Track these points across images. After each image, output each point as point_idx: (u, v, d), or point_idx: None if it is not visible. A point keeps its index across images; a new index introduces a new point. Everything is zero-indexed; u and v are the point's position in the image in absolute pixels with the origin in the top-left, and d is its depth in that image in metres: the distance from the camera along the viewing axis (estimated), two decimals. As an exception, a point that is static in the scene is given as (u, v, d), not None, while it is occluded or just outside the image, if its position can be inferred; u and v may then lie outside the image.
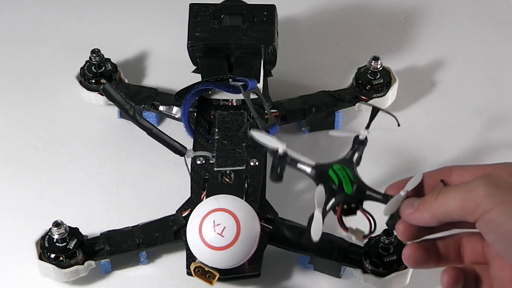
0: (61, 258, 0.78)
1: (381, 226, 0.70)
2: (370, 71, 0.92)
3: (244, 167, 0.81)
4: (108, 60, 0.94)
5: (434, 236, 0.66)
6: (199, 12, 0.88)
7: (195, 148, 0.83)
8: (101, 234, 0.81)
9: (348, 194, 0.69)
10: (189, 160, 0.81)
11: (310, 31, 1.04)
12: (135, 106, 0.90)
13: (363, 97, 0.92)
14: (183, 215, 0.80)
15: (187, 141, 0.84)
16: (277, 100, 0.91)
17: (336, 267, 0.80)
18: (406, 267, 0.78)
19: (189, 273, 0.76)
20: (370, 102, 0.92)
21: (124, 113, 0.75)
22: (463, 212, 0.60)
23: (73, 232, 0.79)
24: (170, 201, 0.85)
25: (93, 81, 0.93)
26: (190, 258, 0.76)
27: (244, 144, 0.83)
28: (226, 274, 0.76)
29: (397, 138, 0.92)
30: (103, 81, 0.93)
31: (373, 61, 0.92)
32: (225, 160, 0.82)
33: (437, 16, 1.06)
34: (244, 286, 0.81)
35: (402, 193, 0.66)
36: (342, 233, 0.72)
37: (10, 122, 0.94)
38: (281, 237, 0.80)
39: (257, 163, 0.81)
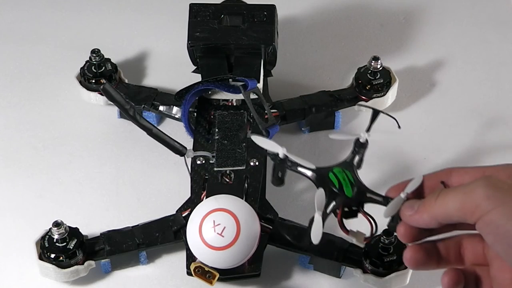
0: (61, 258, 0.78)
1: (381, 227, 0.70)
2: (370, 71, 0.92)
3: (244, 167, 0.81)
4: (108, 60, 0.94)
5: (435, 237, 0.66)
6: (199, 12, 0.88)
7: (195, 148, 0.83)
8: (101, 234, 0.81)
9: (348, 196, 0.69)
10: (189, 160, 0.81)
11: (310, 31, 1.04)
12: (135, 106, 0.90)
13: (363, 97, 0.92)
14: (183, 215, 0.80)
15: (187, 141, 0.84)
16: (277, 100, 0.91)
17: (336, 267, 0.80)
18: (406, 267, 0.78)
19: (189, 273, 0.76)
20: (370, 102, 0.92)
21: (124, 113, 0.75)
22: (462, 213, 0.60)
23: (73, 232, 0.79)
24: (170, 201, 0.85)
25: (93, 81, 0.93)
26: (190, 258, 0.76)
27: (244, 144, 0.83)
28: (226, 274, 0.76)
29: (397, 138, 0.92)
30: (103, 81, 0.93)
31: (373, 61, 0.92)
32: (225, 160, 0.82)
33: (437, 16, 1.06)
34: (244, 286, 0.81)
35: (402, 195, 0.66)
36: (342, 233, 0.72)
37: (10, 122, 0.94)
38: (281, 237, 0.80)
39: (257, 163, 0.81)
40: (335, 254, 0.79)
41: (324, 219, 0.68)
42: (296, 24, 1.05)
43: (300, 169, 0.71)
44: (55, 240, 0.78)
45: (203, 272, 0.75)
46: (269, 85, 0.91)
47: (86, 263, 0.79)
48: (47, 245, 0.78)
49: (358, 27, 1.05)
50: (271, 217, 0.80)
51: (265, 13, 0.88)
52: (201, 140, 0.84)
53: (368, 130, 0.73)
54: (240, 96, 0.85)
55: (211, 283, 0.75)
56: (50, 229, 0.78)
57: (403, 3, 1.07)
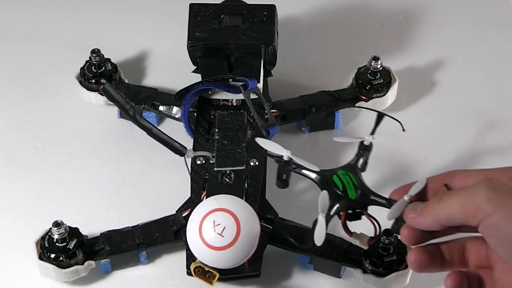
0: (61, 258, 0.78)
1: (383, 228, 0.70)
2: (370, 71, 0.92)
3: (244, 167, 0.81)
4: (108, 60, 0.94)
5: (438, 240, 0.66)
6: (199, 12, 0.88)
7: (195, 148, 0.83)
8: (101, 234, 0.81)
9: (352, 199, 0.69)
10: (189, 160, 0.81)
11: (310, 31, 1.04)
12: (135, 106, 0.90)
13: (363, 97, 0.92)
14: (183, 215, 0.80)
15: (187, 141, 0.84)
16: (277, 100, 0.91)
17: (336, 267, 0.80)
18: (406, 267, 0.78)
19: (189, 273, 0.76)
20: (370, 102, 0.92)
21: (124, 113, 0.75)
22: (465, 216, 0.61)
23: (73, 232, 0.79)
24: (170, 201, 0.85)
25: (93, 81, 0.93)
26: (190, 258, 0.76)
27: (244, 144, 0.83)
28: (226, 274, 0.76)
29: (397, 138, 0.92)
30: (103, 81, 0.93)
31: (373, 61, 0.92)
32: (225, 160, 0.82)
33: (437, 16, 1.06)
34: (244, 286, 0.81)
35: (406, 197, 0.66)
36: (342, 233, 0.72)
37: (10, 122, 0.94)
38: (281, 237, 0.80)
39: (257, 163, 0.81)
40: (335, 254, 0.79)
41: (327, 222, 0.68)
42: (296, 24, 1.05)
43: (304, 171, 0.71)
44: (55, 240, 0.78)
45: (203, 272, 0.75)
46: (269, 85, 0.91)
47: (86, 263, 0.79)
48: (47, 245, 0.78)
49: (358, 27, 1.05)
50: (271, 217, 0.80)
51: (265, 13, 0.88)
52: (201, 140, 0.84)
53: (372, 133, 0.73)
54: (240, 96, 0.85)
55: (211, 283, 0.75)
56: (50, 229, 0.78)
57: (403, 3, 1.07)
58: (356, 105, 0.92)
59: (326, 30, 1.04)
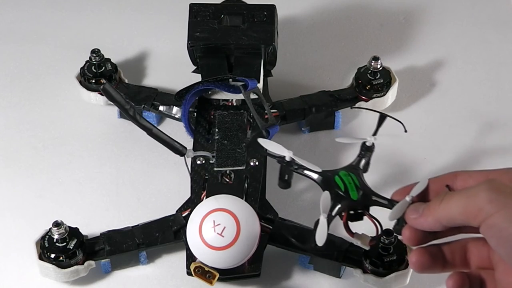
0: (61, 258, 0.78)
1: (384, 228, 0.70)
2: (370, 71, 0.92)
3: (244, 167, 0.81)
4: (108, 60, 0.94)
5: (440, 241, 0.67)
6: (199, 12, 0.88)
7: (195, 148, 0.83)
8: (101, 234, 0.81)
9: (353, 200, 0.69)
10: (189, 160, 0.81)
11: (310, 31, 1.04)
12: (135, 106, 0.90)
13: (363, 97, 0.92)
14: (183, 215, 0.80)
15: (187, 141, 0.84)
16: (277, 100, 0.91)
17: (336, 267, 0.80)
18: (406, 267, 0.78)
19: (189, 273, 0.76)
20: (370, 102, 0.92)
21: (124, 113, 0.75)
22: (466, 217, 0.61)
23: (73, 232, 0.79)
24: (170, 201, 0.85)
25: (93, 81, 0.93)
26: (190, 258, 0.76)
27: (244, 144, 0.83)
28: (226, 274, 0.76)
29: (398, 139, 0.92)
30: (103, 81, 0.93)
31: (373, 61, 0.92)
32: (225, 160, 0.82)
33: (437, 16, 1.06)
34: (244, 286, 0.81)
35: (407, 198, 0.66)
36: (342, 233, 0.72)
37: (10, 122, 0.94)
38: (281, 237, 0.80)
39: (257, 163, 0.81)
40: (335, 254, 0.79)
41: (329, 222, 0.68)
42: (296, 24, 1.05)
43: (306, 172, 0.72)
44: (55, 240, 0.78)
45: (203, 272, 0.75)
46: (269, 85, 0.91)
47: (86, 263, 0.79)
48: (47, 245, 0.78)
49: (358, 27, 1.05)
50: (271, 217, 0.80)
51: (265, 13, 0.88)
52: (201, 140, 0.84)
53: (374, 134, 0.74)
54: (240, 96, 0.85)
55: (211, 283, 0.75)
56: (50, 229, 0.78)
57: (403, 3, 1.07)
58: (357, 105, 0.92)
59: (326, 30, 1.04)
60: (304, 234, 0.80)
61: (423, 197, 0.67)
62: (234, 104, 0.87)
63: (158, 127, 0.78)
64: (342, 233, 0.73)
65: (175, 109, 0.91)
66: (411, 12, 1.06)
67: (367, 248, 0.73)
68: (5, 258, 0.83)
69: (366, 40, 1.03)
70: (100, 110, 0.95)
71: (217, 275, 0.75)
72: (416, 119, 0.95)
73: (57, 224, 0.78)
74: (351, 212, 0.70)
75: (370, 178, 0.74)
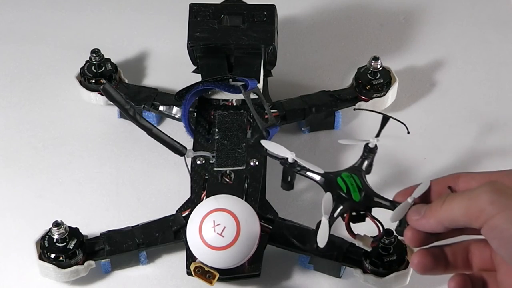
0: (61, 258, 0.78)
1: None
2: (370, 71, 0.92)
3: (244, 167, 0.81)
4: (108, 60, 0.94)
5: (442, 242, 0.67)
6: (199, 12, 0.88)
7: (195, 148, 0.83)
8: (101, 234, 0.81)
9: (355, 201, 0.69)
10: (189, 160, 0.81)
11: (310, 31, 1.04)
12: (135, 106, 0.90)
13: (363, 97, 0.92)
14: (183, 215, 0.80)
15: (187, 141, 0.84)
16: (277, 100, 0.91)
17: (336, 267, 0.80)
18: (406, 267, 0.78)
19: (189, 273, 0.76)
20: (370, 102, 0.92)
21: (124, 113, 0.75)
22: (468, 218, 0.61)
23: (73, 232, 0.79)
24: (170, 201, 0.85)
25: (93, 81, 0.93)
26: (190, 258, 0.76)
27: (244, 144, 0.83)
28: (226, 274, 0.76)
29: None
30: (103, 81, 0.93)
31: (373, 61, 0.92)
32: (225, 160, 0.82)
33: (437, 16, 1.06)
34: (244, 286, 0.81)
35: (409, 200, 0.66)
36: (342, 234, 0.72)
37: (10, 122, 0.94)
38: (281, 237, 0.80)
39: (257, 163, 0.81)
40: (335, 254, 0.79)
41: (331, 224, 0.68)
42: (296, 24, 1.05)
43: (308, 173, 0.72)
44: (55, 240, 0.78)
45: (203, 272, 0.75)
46: (269, 85, 0.91)
47: (86, 263, 0.79)
48: (47, 245, 0.78)
49: (358, 27, 1.05)
50: (271, 217, 0.80)
51: (265, 13, 0.88)
52: (201, 140, 0.84)
53: (377, 135, 0.74)
54: (240, 96, 0.85)
55: (211, 283, 0.75)
56: (50, 229, 0.78)
57: (403, 3, 1.07)
58: (358, 106, 0.92)
59: (326, 30, 1.04)
60: (304, 234, 0.80)
61: (425, 198, 0.67)
62: (234, 104, 0.87)
63: (158, 127, 0.78)
64: (342, 233, 0.73)
65: (175, 109, 0.91)
66: (411, 12, 1.06)
67: (368, 249, 0.73)
68: (5, 258, 0.83)
69: (366, 40, 1.03)
70: (100, 110, 0.95)
71: (217, 275, 0.75)
72: (416, 119, 0.95)
73: (57, 224, 0.78)
74: (353, 213, 0.70)
75: (370, 178, 0.74)
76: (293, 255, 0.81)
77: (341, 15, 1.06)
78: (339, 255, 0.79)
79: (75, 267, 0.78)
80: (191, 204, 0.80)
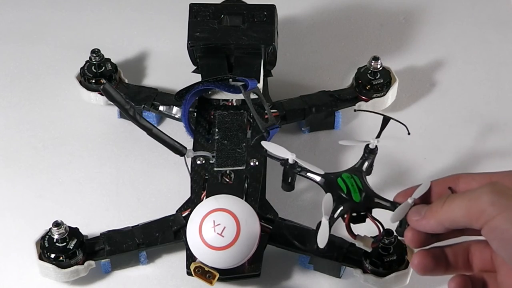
0: (61, 258, 0.78)
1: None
2: (370, 71, 0.92)
3: (244, 167, 0.81)
4: (108, 60, 0.94)
5: (442, 243, 0.67)
6: (199, 12, 0.88)
7: (195, 148, 0.83)
8: (101, 234, 0.81)
9: (356, 202, 0.70)
10: (189, 160, 0.81)
11: (310, 31, 1.04)
12: (135, 106, 0.90)
13: (363, 97, 0.92)
14: (183, 215, 0.80)
15: (187, 141, 0.84)
16: (277, 100, 0.91)
17: (336, 267, 0.80)
18: (406, 267, 0.78)
19: (189, 273, 0.76)
20: (370, 102, 0.92)
21: (124, 113, 0.75)
22: (468, 219, 0.61)
23: (73, 232, 0.79)
24: (170, 201, 0.85)
25: (93, 81, 0.93)
26: (190, 258, 0.76)
27: (244, 144, 0.83)
28: (226, 274, 0.76)
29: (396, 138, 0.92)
30: (103, 81, 0.93)
31: (373, 61, 0.92)
32: (225, 160, 0.82)
33: (437, 16, 1.06)
34: (244, 286, 0.81)
35: (410, 200, 0.66)
36: (343, 234, 0.72)
37: (10, 122, 0.94)
38: (281, 237, 0.80)
39: (257, 163, 0.81)
40: (335, 254, 0.79)
41: (331, 224, 0.68)
42: (296, 24, 1.05)
43: (309, 174, 0.72)
44: (55, 240, 0.78)
45: (203, 272, 0.75)
46: (269, 85, 0.91)
47: (86, 263, 0.79)
48: (47, 245, 0.78)
49: (358, 27, 1.05)
50: (271, 217, 0.80)
51: (265, 13, 0.88)
52: (201, 140, 0.84)
53: (378, 136, 0.74)
54: (240, 96, 0.85)
55: (211, 283, 0.75)
56: (50, 229, 0.78)
57: (403, 3, 1.07)
58: (358, 106, 0.92)
59: (326, 30, 1.04)
60: (304, 234, 0.80)
61: (426, 199, 0.67)
62: (234, 104, 0.87)
63: (158, 127, 0.78)
64: (342, 233, 0.73)
65: (175, 109, 0.91)
66: (411, 12, 1.06)
67: (369, 250, 0.73)
68: (5, 258, 0.83)
69: (366, 40, 1.03)
70: (100, 110, 0.95)
71: (217, 275, 0.75)
72: (416, 119, 0.95)
73: (57, 224, 0.78)
74: (354, 214, 0.70)
75: (370, 178, 0.74)
76: (293, 255, 0.81)
77: (341, 15, 1.06)
78: (339, 255, 0.79)
79: (75, 267, 0.78)
80: (191, 204, 0.80)
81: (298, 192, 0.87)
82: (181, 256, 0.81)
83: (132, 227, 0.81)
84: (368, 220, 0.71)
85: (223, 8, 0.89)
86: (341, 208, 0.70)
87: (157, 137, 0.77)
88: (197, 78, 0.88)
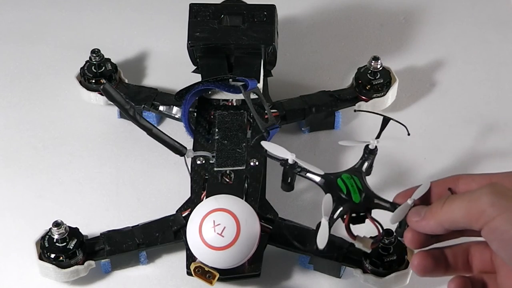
0: (61, 258, 0.78)
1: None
2: (370, 71, 0.92)
3: (244, 167, 0.81)
4: (108, 60, 0.94)
5: (442, 244, 0.67)
6: (199, 12, 0.88)
7: (195, 148, 0.83)
8: (101, 234, 0.81)
9: (355, 202, 0.69)
10: (189, 160, 0.81)
11: (310, 31, 1.04)
12: (135, 106, 0.90)
13: (363, 97, 0.92)
14: (183, 215, 0.80)
15: (187, 141, 0.84)
16: (277, 100, 0.91)
17: (336, 267, 0.80)
18: (406, 267, 0.78)
19: (189, 273, 0.76)
20: (370, 102, 0.92)
21: (124, 113, 0.75)
22: (468, 220, 0.61)
23: (73, 232, 0.79)
24: (170, 201, 0.85)
25: (93, 81, 0.93)
26: (190, 258, 0.76)
27: (244, 144, 0.83)
28: (226, 274, 0.76)
29: (396, 138, 0.92)
30: (103, 81, 0.93)
31: (373, 61, 0.92)
32: (225, 160, 0.82)
33: (437, 16, 1.06)
34: (244, 286, 0.81)
35: (409, 201, 0.66)
36: (342, 233, 0.72)
37: (10, 122, 0.94)
38: (281, 237, 0.80)
39: (257, 163, 0.81)
40: (335, 254, 0.79)
41: (330, 225, 0.68)
42: (296, 24, 1.05)
43: (308, 174, 0.72)
44: (55, 240, 0.78)
45: (203, 272, 0.75)
46: (269, 85, 0.91)
47: (86, 263, 0.79)
48: (47, 245, 0.78)
49: (358, 27, 1.05)
50: (271, 217, 0.80)
51: (265, 13, 0.88)
52: (201, 140, 0.84)
53: (378, 137, 0.74)
54: (240, 96, 0.85)
55: (211, 283, 0.75)
56: (50, 229, 0.78)
57: (403, 3, 1.07)
58: (358, 107, 0.92)
59: (326, 30, 1.04)
60: (304, 234, 0.80)
61: (425, 200, 0.67)
62: (234, 104, 0.87)
63: (158, 127, 0.78)
64: (342, 233, 0.73)
65: (175, 109, 0.91)
66: (411, 12, 1.06)
67: (368, 251, 0.73)
68: (5, 258, 0.83)
69: (366, 40, 1.03)
70: (100, 110, 0.95)
71: (217, 275, 0.75)
72: (416, 119, 0.95)
73: (57, 224, 0.78)
74: (353, 215, 0.70)
75: (369, 178, 0.74)
76: (293, 255, 0.81)
77: (341, 15, 1.06)
78: (339, 255, 0.79)
79: (75, 267, 0.78)
80: (191, 204, 0.80)
81: (298, 192, 0.87)
82: (181, 256, 0.81)
83: (132, 227, 0.81)
84: (367, 220, 0.71)
85: (223, 8, 0.89)
86: (341, 208, 0.70)
87: (157, 137, 0.77)
88: (197, 78, 0.88)
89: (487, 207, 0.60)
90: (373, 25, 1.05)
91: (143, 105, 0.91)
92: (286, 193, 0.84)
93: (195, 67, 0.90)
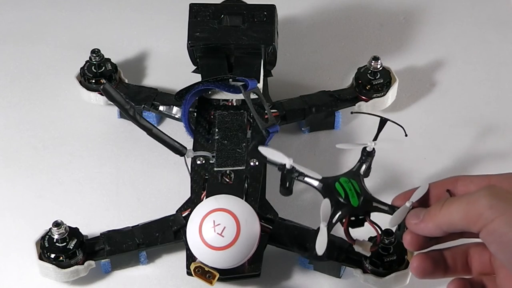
0: (61, 258, 0.78)
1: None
2: (370, 71, 0.92)
3: (244, 167, 0.81)
4: (108, 60, 0.94)
5: (441, 246, 0.66)
6: (199, 12, 0.88)
7: (195, 148, 0.83)
8: (101, 234, 0.81)
9: (354, 206, 0.69)
10: (189, 160, 0.81)
11: (310, 31, 1.04)
12: (135, 106, 0.90)
13: (363, 97, 0.92)
14: (183, 215, 0.80)
15: (187, 141, 0.84)
16: (277, 100, 0.91)
17: (336, 267, 0.80)
18: (406, 267, 0.78)
19: (189, 273, 0.76)
20: (370, 102, 0.92)
21: (124, 113, 0.75)
22: (466, 222, 0.61)
23: (73, 232, 0.79)
24: (170, 201, 0.85)
25: (93, 81, 0.93)
26: (190, 258, 0.76)
27: (244, 144, 0.83)
28: (226, 274, 0.76)
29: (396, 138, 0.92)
30: (103, 81, 0.93)
31: (373, 61, 0.92)
32: (225, 160, 0.82)
33: (437, 16, 1.06)
34: (244, 286, 0.81)
35: (408, 204, 0.66)
36: (342, 233, 0.72)
37: (10, 122, 0.94)
38: (281, 237, 0.80)
39: (257, 163, 0.81)
40: (335, 254, 0.79)
41: (329, 230, 0.68)
42: (296, 24, 1.05)
43: (306, 179, 0.72)
44: (55, 240, 0.78)
45: (203, 272, 0.75)
46: (269, 85, 0.91)
47: (86, 263, 0.79)
48: (47, 245, 0.78)
49: (358, 27, 1.05)
50: (271, 217, 0.80)
51: (265, 13, 0.88)
52: (201, 140, 0.84)
53: (375, 138, 0.74)
54: (240, 96, 0.85)
55: (211, 283, 0.75)
56: (50, 229, 0.78)
57: (403, 3, 1.07)
58: (357, 107, 0.92)
59: (326, 30, 1.04)
60: (304, 234, 0.80)
61: (424, 202, 0.67)
62: (234, 104, 0.87)
63: (158, 127, 0.78)
64: (342, 234, 0.73)
65: (175, 109, 0.91)
66: (411, 12, 1.06)
67: (368, 254, 0.73)
68: (5, 258, 0.83)
69: (366, 40, 1.03)
70: (100, 110, 0.95)
71: (217, 275, 0.75)
72: (416, 119, 0.95)
73: (57, 224, 0.78)
74: (352, 218, 0.70)
75: (369, 178, 0.74)
76: (293, 255, 0.81)
77: (341, 15, 1.06)
78: (339, 255, 0.79)
79: (75, 267, 0.78)
80: (191, 204, 0.80)
81: (298, 192, 0.87)
82: (181, 256, 0.81)
83: (132, 227, 0.81)
84: (366, 223, 0.70)
85: (223, 8, 0.89)
86: (339, 213, 0.69)
87: (157, 137, 0.77)
88: (197, 78, 0.88)
89: (485, 210, 0.60)
90: (373, 25, 1.05)
91: (143, 105, 0.91)
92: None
93: (195, 67, 0.90)
